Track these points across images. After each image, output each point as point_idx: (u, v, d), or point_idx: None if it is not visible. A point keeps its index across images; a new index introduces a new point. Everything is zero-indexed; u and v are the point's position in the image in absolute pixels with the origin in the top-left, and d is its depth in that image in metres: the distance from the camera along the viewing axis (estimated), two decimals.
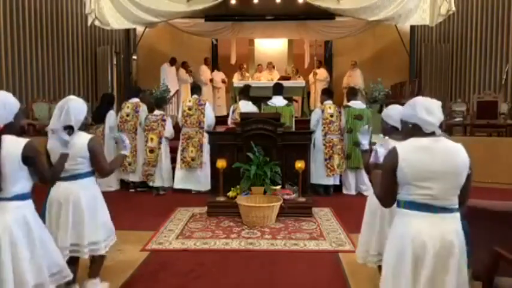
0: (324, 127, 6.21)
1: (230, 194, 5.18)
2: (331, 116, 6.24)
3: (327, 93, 6.65)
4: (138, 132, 6.58)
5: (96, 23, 7.81)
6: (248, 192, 5.06)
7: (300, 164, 5.00)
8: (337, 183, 6.38)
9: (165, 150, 6.44)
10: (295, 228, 4.62)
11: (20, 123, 2.32)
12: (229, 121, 6.51)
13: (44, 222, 2.73)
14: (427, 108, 1.98)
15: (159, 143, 6.36)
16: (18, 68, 8.35)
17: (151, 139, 6.37)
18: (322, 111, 6.31)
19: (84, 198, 2.77)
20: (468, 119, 8.21)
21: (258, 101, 6.87)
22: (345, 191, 6.40)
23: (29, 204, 2.27)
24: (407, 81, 9.13)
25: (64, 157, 2.54)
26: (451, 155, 1.95)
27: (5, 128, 2.16)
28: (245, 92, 6.77)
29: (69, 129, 2.69)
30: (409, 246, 1.94)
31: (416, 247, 1.92)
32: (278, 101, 6.53)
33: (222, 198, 5.16)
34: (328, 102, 6.39)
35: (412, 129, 2.04)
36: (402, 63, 9.48)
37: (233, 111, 6.51)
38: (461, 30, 10.09)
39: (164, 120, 6.41)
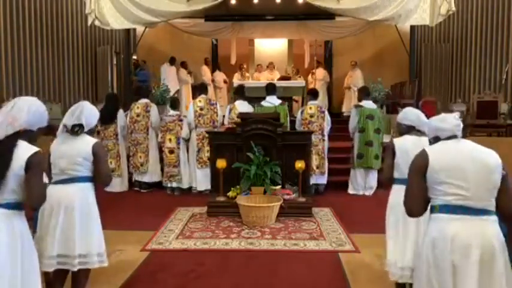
0: (304, 127, 6.22)
1: (230, 194, 5.18)
2: (311, 116, 6.25)
3: (312, 93, 6.66)
4: (150, 132, 6.59)
5: (96, 23, 7.82)
6: (248, 192, 5.06)
7: (300, 164, 5.00)
8: (322, 182, 6.33)
9: (182, 150, 6.43)
10: (295, 228, 4.62)
11: (38, 136, 2.23)
12: (226, 121, 6.52)
13: (36, 225, 2.65)
14: (441, 118, 2.07)
15: (177, 143, 6.37)
16: (18, 68, 8.34)
17: (170, 140, 6.36)
18: (302, 111, 6.34)
19: (78, 204, 2.64)
20: (468, 119, 8.21)
21: (253, 101, 6.87)
22: (351, 191, 6.39)
23: (21, 214, 2.09)
24: (407, 81, 9.13)
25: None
26: (479, 154, 1.93)
27: (23, 133, 2.09)
28: (240, 92, 6.78)
29: (79, 127, 2.68)
30: (448, 251, 1.85)
31: (456, 252, 1.84)
32: (272, 101, 6.53)
33: (222, 198, 5.16)
34: (312, 103, 6.39)
35: (434, 141, 2.09)
36: (402, 63, 9.48)
37: (230, 111, 6.54)
38: (461, 30, 10.09)
39: (181, 120, 6.40)
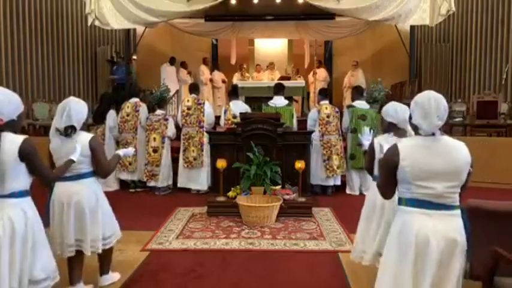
0: (321, 128, 6.19)
1: (230, 194, 5.18)
2: (328, 116, 6.23)
3: (323, 93, 6.64)
4: (139, 132, 6.58)
5: (96, 23, 7.81)
6: (248, 192, 5.06)
7: (300, 164, 5.00)
8: (338, 183, 6.35)
9: (166, 149, 6.44)
10: (295, 228, 4.62)
11: (21, 124, 2.31)
12: (222, 122, 6.52)
13: (49, 221, 2.78)
14: (424, 113, 1.95)
15: (162, 142, 6.36)
16: (18, 68, 8.35)
17: (154, 139, 6.36)
18: (319, 111, 6.30)
19: (86, 198, 2.80)
20: (468, 119, 8.21)
21: (254, 101, 6.86)
22: (348, 191, 6.38)
23: (28, 201, 2.25)
24: (407, 81, 9.13)
25: (69, 163, 2.62)
26: (452, 154, 1.95)
27: (6, 125, 2.15)
28: (234, 92, 6.79)
29: (72, 129, 2.72)
30: (412, 243, 1.93)
31: (420, 244, 1.92)
32: (279, 101, 6.52)
33: (222, 198, 5.16)
34: (325, 102, 6.38)
35: (413, 126, 2.06)
36: (402, 63, 9.48)
37: (225, 112, 6.54)
38: (461, 30, 10.09)
39: (167, 120, 6.41)
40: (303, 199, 5.14)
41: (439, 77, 10.02)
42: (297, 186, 5.18)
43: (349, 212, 5.26)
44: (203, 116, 6.40)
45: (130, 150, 3.23)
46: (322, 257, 3.82)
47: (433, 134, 1.97)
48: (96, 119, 6.54)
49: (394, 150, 2.00)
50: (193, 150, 6.32)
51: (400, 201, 2.05)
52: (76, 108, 2.76)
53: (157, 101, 6.76)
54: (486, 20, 9.46)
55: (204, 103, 6.55)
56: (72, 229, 2.78)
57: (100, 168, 2.84)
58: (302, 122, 7.46)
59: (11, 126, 2.19)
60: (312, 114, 6.41)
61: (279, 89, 6.65)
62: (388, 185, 2.09)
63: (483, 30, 9.55)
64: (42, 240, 2.30)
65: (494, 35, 9.28)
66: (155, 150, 6.36)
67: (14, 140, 2.14)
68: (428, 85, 9.76)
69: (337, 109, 6.43)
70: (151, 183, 6.42)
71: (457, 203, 1.99)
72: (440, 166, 1.92)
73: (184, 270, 3.50)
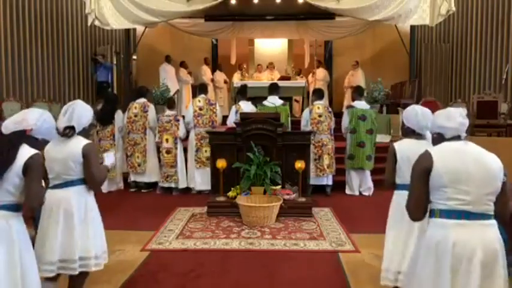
0: (313, 127, 6.18)
1: (230, 194, 5.18)
2: (320, 116, 6.21)
3: (317, 93, 6.64)
4: (148, 132, 6.57)
5: (96, 23, 7.81)
6: (248, 192, 5.06)
7: (300, 164, 5.00)
8: (330, 183, 6.33)
9: (180, 150, 6.41)
10: (295, 228, 4.62)
11: (42, 145, 2.31)
12: (233, 122, 6.48)
13: (38, 226, 2.67)
14: (446, 115, 2.01)
15: (175, 143, 6.36)
16: (18, 68, 8.34)
17: (167, 140, 6.34)
18: (310, 111, 6.31)
19: (76, 207, 2.62)
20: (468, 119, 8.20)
21: (254, 101, 6.85)
22: (348, 191, 6.38)
23: (19, 217, 2.09)
24: (407, 81, 9.14)
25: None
26: (483, 158, 1.91)
27: (29, 137, 2.15)
28: (243, 93, 6.77)
29: (70, 129, 2.64)
30: (448, 256, 1.84)
31: (457, 257, 1.83)
32: (274, 101, 6.51)
33: (222, 198, 5.16)
34: (318, 103, 6.37)
35: (437, 138, 2.04)
36: (402, 63, 9.48)
37: (236, 112, 6.50)
38: (461, 30, 10.10)
39: (178, 120, 6.38)
40: (303, 199, 5.14)
41: (439, 77, 10.02)
42: (297, 186, 5.18)
43: (349, 212, 5.29)
44: (215, 116, 6.41)
45: (109, 154, 2.99)
46: (322, 257, 3.82)
47: (459, 137, 1.97)
48: (103, 120, 6.49)
49: (426, 156, 1.93)
50: (206, 150, 6.29)
51: (433, 214, 1.94)
52: (80, 111, 2.68)
53: (167, 102, 6.73)
54: (486, 20, 9.46)
55: (215, 103, 6.58)
56: (58, 243, 2.57)
57: (90, 177, 2.65)
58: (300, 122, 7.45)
59: (33, 142, 2.17)
60: (305, 114, 6.40)
61: (274, 89, 6.64)
62: (420, 200, 1.95)
63: (483, 30, 9.55)
64: (28, 262, 2.09)
65: (495, 35, 9.28)
66: (168, 152, 6.33)
67: (25, 152, 2.06)
68: (428, 85, 9.78)
69: (330, 109, 6.41)
70: (166, 185, 6.39)
71: (491, 212, 1.91)
72: (473, 169, 1.87)
73: (184, 270, 3.50)
